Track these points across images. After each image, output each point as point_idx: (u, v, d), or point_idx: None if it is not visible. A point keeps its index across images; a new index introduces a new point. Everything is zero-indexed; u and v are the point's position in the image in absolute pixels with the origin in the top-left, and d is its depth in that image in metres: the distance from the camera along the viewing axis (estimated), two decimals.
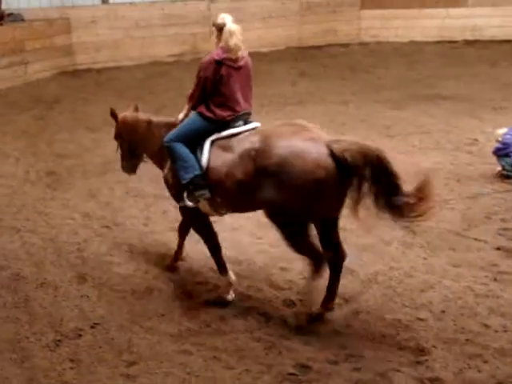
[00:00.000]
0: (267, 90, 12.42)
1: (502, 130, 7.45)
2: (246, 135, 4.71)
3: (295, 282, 5.19)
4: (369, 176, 4.23)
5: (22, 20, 13.83)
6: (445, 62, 14.38)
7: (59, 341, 4.55)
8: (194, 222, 5.10)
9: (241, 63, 4.87)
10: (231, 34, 4.76)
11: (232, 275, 5.03)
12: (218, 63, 4.75)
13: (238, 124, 4.84)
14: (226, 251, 5.71)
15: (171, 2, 15.61)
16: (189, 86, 10.55)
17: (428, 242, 5.76)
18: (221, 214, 5.03)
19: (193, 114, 4.91)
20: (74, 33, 14.60)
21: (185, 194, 4.82)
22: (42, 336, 4.61)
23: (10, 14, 13.70)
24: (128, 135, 5.37)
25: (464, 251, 5.58)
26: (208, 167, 4.67)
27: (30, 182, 7.94)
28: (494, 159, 7.68)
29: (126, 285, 5.28)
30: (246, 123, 4.89)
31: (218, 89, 4.77)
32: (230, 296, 4.96)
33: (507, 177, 7.21)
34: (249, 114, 4.99)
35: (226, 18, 4.84)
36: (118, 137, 5.56)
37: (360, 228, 5.35)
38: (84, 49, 14.70)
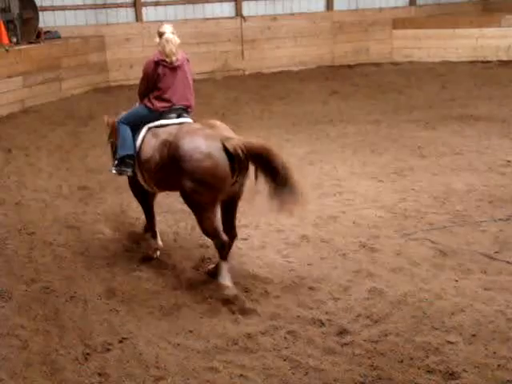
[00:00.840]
0: (298, 108, 12.49)
1: None
2: (171, 127, 5.64)
3: (323, 302, 5.17)
4: (259, 167, 5.24)
5: (59, 37, 14.16)
6: (478, 83, 14.30)
7: (88, 354, 4.60)
8: (132, 188, 6.19)
9: (176, 64, 5.77)
10: (167, 41, 5.70)
11: (159, 241, 6.21)
12: (156, 63, 5.72)
13: (171, 116, 5.80)
14: (254, 269, 5.76)
15: (203, 20, 15.84)
16: (219, 102, 10.72)
17: (459, 264, 5.71)
18: (152, 189, 5.94)
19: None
20: (108, 50, 14.90)
21: (114, 163, 5.95)
22: (72, 349, 4.67)
23: (47, 32, 14.04)
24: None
25: (496, 274, 5.50)
26: (139, 149, 5.70)
27: (62, 196, 8.08)
28: None
29: (155, 300, 5.33)
30: (179, 116, 5.83)
31: (156, 84, 5.76)
32: (155, 255, 6.12)
33: None
34: (185, 108, 5.90)
35: (165, 28, 5.77)
36: (110, 137, 6.36)
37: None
38: (118, 66, 14.99)
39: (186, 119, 5.86)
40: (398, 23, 17.42)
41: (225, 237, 5.40)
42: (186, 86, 5.89)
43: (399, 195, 7.57)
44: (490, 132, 10.23)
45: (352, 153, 9.45)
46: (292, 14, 16.65)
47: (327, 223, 6.81)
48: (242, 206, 7.31)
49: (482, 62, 16.54)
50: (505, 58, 16.57)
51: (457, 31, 16.91)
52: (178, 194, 7.69)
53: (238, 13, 16.12)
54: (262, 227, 6.78)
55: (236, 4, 16.11)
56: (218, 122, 5.63)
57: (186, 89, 5.89)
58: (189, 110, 5.95)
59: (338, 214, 7.06)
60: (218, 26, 15.76)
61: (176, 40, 5.74)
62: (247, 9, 16.26)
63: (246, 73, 15.87)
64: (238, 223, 6.85)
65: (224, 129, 5.54)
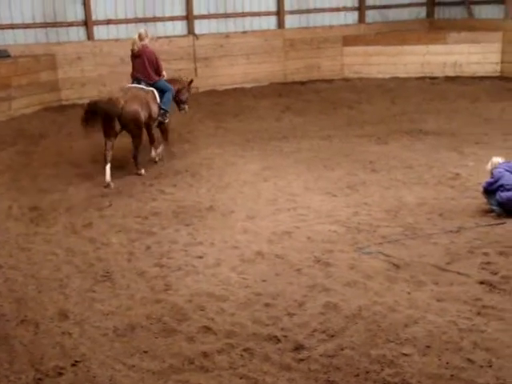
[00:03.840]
0: (252, 125, 12.54)
1: (498, 159, 7.36)
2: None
3: (279, 318, 5.15)
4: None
5: (8, 56, 13.88)
6: (426, 98, 14.61)
7: (40, 379, 4.46)
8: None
9: (138, 54, 9.77)
10: (133, 39, 9.88)
11: (143, 171, 9.54)
12: (132, 53, 9.88)
13: (135, 82, 9.83)
14: (209, 287, 5.71)
15: (156, 38, 15.77)
16: (172, 119, 10.68)
17: (412, 277, 5.76)
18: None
19: None
20: (60, 69, 14.68)
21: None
22: (23, 374, 4.52)
23: None
24: None
25: (448, 285, 5.58)
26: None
27: (12, 217, 7.88)
28: (476, 193, 7.76)
29: (109, 321, 5.21)
30: (139, 83, 9.79)
31: (132, 65, 9.95)
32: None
33: (490, 211, 7.25)
34: (142, 79, 9.80)
35: (138, 32, 9.94)
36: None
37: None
38: (69, 84, 14.78)
39: (138, 85, 9.75)
40: (348, 40, 17.73)
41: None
42: (146, 67, 9.75)
43: (352, 209, 7.63)
44: (438, 146, 10.44)
45: (306, 168, 9.51)
46: (244, 32, 16.76)
47: (282, 239, 6.81)
48: (197, 223, 7.30)
49: (430, 77, 16.95)
50: (451, 74, 17.03)
51: (405, 48, 17.31)
52: (133, 216, 7.63)
53: (191, 31, 16.14)
54: (216, 244, 6.74)
55: (188, 22, 16.13)
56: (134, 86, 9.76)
57: (145, 69, 9.76)
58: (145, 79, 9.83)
59: (293, 229, 7.06)
60: (171, 45, 15.72)
61: (136, 40, 9.76)
62: (199, 27, 16.29)
63: (200, 90, 15.85)
64: (193, 241, 6.85)
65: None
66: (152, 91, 9.81)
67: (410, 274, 5.82)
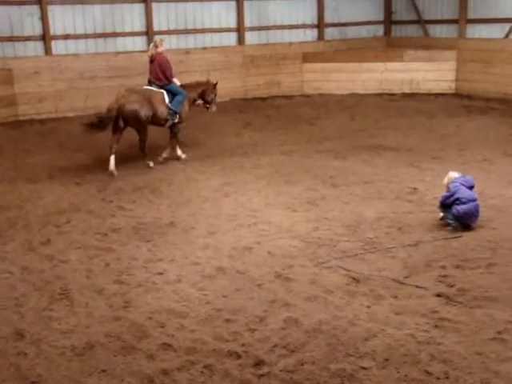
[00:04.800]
0: (213, 140, 12.55)
1: (454, 174, 7.51)
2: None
3: (240, 334, 5.13)
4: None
5: None
6: (384, 114, 14.87)
7: None
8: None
9: (152, 59, 10.99)
10: (149, 49, 11.22)
11: (151, 163, 10.72)
12: (149, 58, 11.08)
13: (148, 85, 11.03)
14: (170, 303, 5.67)
15: (115, 53, 15.71)
16: (132, 136, 10.64)
17: (371, 290, 5.82)
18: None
19: None
20: (17, 84, 14.47)
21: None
22: None
23: None
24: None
25: (406, 299, 5.65)
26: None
27: None
28: (433, 207, 7.90)
29: (66, 340, 5.12)
30: (150, 85, 10.95)
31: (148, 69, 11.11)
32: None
33: (447, 224, 7.38)
34: (156, 83, 10.95)
35: (154, 40, 11.50)
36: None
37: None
38: (26, 99, 14.57)
39: (153, 88, 10.96)
40: (308, 57, 17.97)
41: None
42: (158, 72, 10.90)
43: (312, 224, 7.69)
44: (397, 161, 10.62)
45: (266, 183, 9.55)
46: (204, 48, 16.82)
47: (243, 254, 6.81)
48: (157, 240, 7.24)
49: (388, 94, 17.28)
50: (408, 91, 17.41)
51: (363, 65, 17.63)
52: (92, 233, 7.54)
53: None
54: (177, 260, 6.70)
55: (148, 38, 16.09)
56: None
57: (158, 74, 10.90)
58: (157, 82, 10.96)
59: (254, 244, 7.07)
60: (131, 60, 15.67)
61: (151, 47, 11.18)
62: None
63: None
64: (153, 257, 6.79)
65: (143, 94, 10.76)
66: (162, 93, 10.90)
67: (369, 287, 5.88)
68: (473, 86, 16.68)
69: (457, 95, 16.95)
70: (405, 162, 10.51)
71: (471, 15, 17.23)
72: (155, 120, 10.78)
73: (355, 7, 19.25)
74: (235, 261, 6.64)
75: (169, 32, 16.47)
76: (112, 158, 10.30)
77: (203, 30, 16.92)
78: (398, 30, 19.92)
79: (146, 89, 10.93)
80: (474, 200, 7.28)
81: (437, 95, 17.00)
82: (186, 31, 16.69)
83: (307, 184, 9.47)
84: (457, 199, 7.23)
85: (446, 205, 7.35)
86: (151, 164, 10.64)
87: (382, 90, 17.51)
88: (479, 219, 7.38)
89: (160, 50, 11.03)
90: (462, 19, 17.35)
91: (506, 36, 16.36)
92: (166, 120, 10.92)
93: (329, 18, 18.82)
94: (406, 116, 14.57)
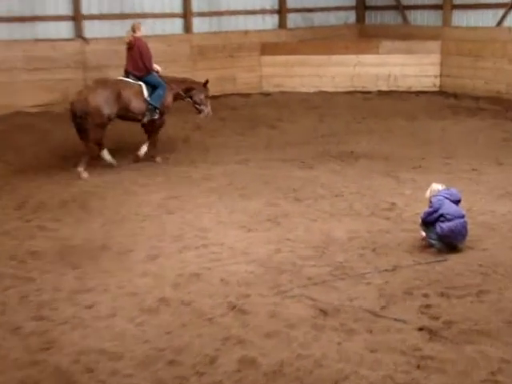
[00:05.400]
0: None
1: (438, 186, 7.61)
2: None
3: (186, 378, 5.10)
4: None
5: None
6: (357, 116, 15.07)
7: None
8: None
9: (130, 46, 11.24)
10: (127, 32, 11.46)
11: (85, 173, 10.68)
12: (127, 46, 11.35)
13: (125, 76, 11.36)
14: (101, 343, 5.60)
15: (35, 41, 15.51)
16: (58, 141, 10.52)
17: (342, 324, 5.86)
18: None
19: None
20: None
21: None
22: None
23: None
24: None
25: (383, 333, 5.71)
26: None
27: None
28: (413, 225, 8.01)
29: None
30: (127, 77, 11.26)
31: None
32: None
33: (430, 245, 7.49)
34: (131, 72, 11.24)
35: (132, 28, 11.49)
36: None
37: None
38: None
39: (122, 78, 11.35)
40: (267, 48, 18.10)
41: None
42: (136, 60, 11.19)
43: (273, 246, 7.71)
44: (371, 170, 10.77)
45: (218, 198, 9.56)
46: (144, 37, 16.71)
47: (190, 282, 6.79)
48: (87, 266, 7.16)
49: (361, 92, 17.55)
50: (385, 88, 17.68)
51: (332, 58, 17.86)
52: (6, 258, 7.48)
53: (79, 34, 16.00)
54: (111, 290, 6.64)
55: (75, 23, 15.99)
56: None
57: (135, 63, 11.20)
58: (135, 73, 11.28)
59: (203, 270, 7.06)
60: (55, 50, 15.55)
61: (128, 32, 11.47)
62: (90, 29, 16.21)
63: None
64: (82, 287, 6.71)
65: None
66: (139, 85, 11.22)
67: (339, 321, 5.92)
68: (460, 83, 17.05)
69: (441, 93, 17.32)
70: (381, 172, 10.65)
71: (458, 0, 17.59)
72: (129, 115, 11.23)
73: None
74: (181, 290, 6.61)
75: (101, 17, 16.43)
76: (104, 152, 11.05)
77: (143, 15, 16.86)
78: (372, 17, 20.29)
79: (120, 80, 11.27)
80: (461, 216, 7.42)
81: (418, 93, 17.34)
82: (122, 16, 16.63)
83: (267, 198, 9.50)
84: (441, 215, 7.34)
85: (429, 222, 7.46)
86: (84, 174, 10.63)
87: (355, 88, 17.76)
88: (467, 239, 7.51)
89: (139, 34, 11.38)
90: (446, 4, 17.77)
91: (499, 24, 16.68)
92: (143, 115, 11.30)
93: (292, 2, 19.04)
94: (383, 118, 14.79)
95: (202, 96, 12.09)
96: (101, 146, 11.10)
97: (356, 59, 17.81)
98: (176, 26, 17.45)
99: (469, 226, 7.52)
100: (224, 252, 7.58)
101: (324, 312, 6.07)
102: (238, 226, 8.42)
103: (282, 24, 18.88)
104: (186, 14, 17.44)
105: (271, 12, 18.80)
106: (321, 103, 16.51)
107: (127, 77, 11.30)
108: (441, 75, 17.59)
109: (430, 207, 7.48)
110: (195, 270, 7.06)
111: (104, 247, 7.78)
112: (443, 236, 7.34)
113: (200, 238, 8.04)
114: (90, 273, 7.06)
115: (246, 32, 18.18)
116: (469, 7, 17.36)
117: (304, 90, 17.64)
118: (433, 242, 7.45)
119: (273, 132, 13.82)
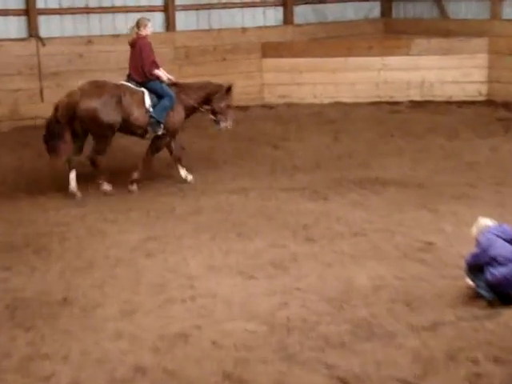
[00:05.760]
0: (128, 171, 12.49)
1: (487, 221, 7.59)
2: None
3: None
4: None
5: None
6: (384, 133, 15.07)
7: None
8: None
9: (132, 45, 11.73)
10: (131, 29, 11.99)
11: (107, 187, 11.54)
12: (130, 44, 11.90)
13: (130, 83, 11.81)
14: None
15: None
16: (7, 166, 10.51)
17: None
18: None
19: None
20: None
21: None
22: None
23: None
24: None
25: None
26: None
27: None
28: (457, 271, 7.99)
29: None
30: (128, 81, 11.80)
31: None
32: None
33: (478, 296, 7.45)
34: (135, 79, 11.67)
35: (136, 24, 11.93)
36: None
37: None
38: None
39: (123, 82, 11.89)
40: (270, 49, 18.16)
41: None
42: (136, 61, 11.67)
43: (278, 298, 7.68)
44: (402, 202, 10.77)
45: (209, 237, 9.56)
46: (115, 36, 16.86)
47: (174, 345, 6.77)
48: (43, 326, 7.15)
49: (388, 103, 17.54)
50: (417, 98, 17.69)
51: (351, 61, 17.89)
52: None
53: (33, 33, 16.09)
54: (73, 358, 6.60)
55: (29, 19, 16.07)
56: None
57: (137, 63, 11.68)
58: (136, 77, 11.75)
59: (191, 330, 7.04)
60: (1, 52, 15.61)
61: (132, 28, 11.94)
62: (46, 27, 16.35)
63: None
64: (36, 353, 6.68)
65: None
66: (141, 92, 11.65)
67: None
68: None
69: (489, 103, 17.33)
70: (414, 204, 10.66)
71: None
72: (128, 128, 11.67)
73: None
74: (162, 356, 6.58)
75: (61, 11, 16.56)
76: (72, 175, 11.32)
77: (113, 9, 17.02)
78: (401, 9, 20.40)
79: (120, 84, 11.76)
80: None
81: (460, 104, 17.35)
82: (87, 10, 16.78)
83: (270, 237, 9.48)
84: (492, 259, 7.31)
85: (477, 267, 7.44)
86: (107, 187, 11.46)
87: (380, 98, 17.79)
88: None
89: (144, 32, 11.85)
90: None
91: None
92: (145, 130, 11.65)
93: None
94: (416, 135, 14.81)
95: (223, 104, 12.19)
96: (97, 165, 11.55)
97: (381, 62, 17.88)
98: (156, 22, 17.41)
99: None
100: (217, 306, 7.56)
101: (342, 381, 6.05)
102: (234, 273, 8.41)
103: (287, 19, 18.96)
104: (168, 8, 17.57)
105: (274, 4, 18.90)
106: (337, 117, 16.55)
107: (128, 81, 11.75)
108: (489, 81, 17.63)
109: (478, 248, 7.46)
110: (181, 330, 7.04)
111: (65, 301, 7.75)
112: (495, 284, 7.30)
113: (187, 287, 8.02)
114: (47, 334, 7.03)
115: (244, 29, 18.30)
116: None
117: (316, 101, 17.69)
118: (482, 291, 7.41)
119: (277, 153, 13.84)
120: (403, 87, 17.75)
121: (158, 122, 11.58)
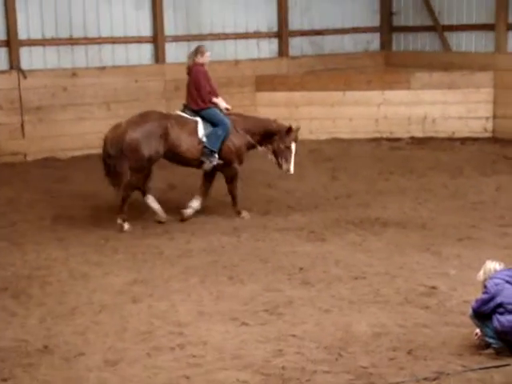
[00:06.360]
0: (112, 211, 12.48)
1: (495, 265, 7.52)
2: None
3: None
4: None
5: None
6: (384, 171, 15.11)
7: None
8: None
9: (188, 73, 12.35)
10: (189, 57, 12.61)
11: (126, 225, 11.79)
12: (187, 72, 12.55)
13: (185, 112, 12.27)
14: None
15: None
16: None
17: None
18: None
19: None
20: None
21: None
22: None
23: None
24: None
25: None
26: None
27: None
28: (462, 317, 7.96)
29: None
30: (184, 111, 12.31)
31: None
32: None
33: (486, 345, 7.41)
34: (189, 107, 12.16)
35: (194, 51, 12.52)
36: None
37: None
38: None
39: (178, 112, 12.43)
40: (264, 82, 18.27)
41: None
42: (192, 89, 12.18)
43: (273, 346, 7.63)
44: (403, 244, 10.77)
45: (199, 281, 9.53)
46: (101, 68, 16.96)
47: None
48: (21, 376, 7.08)
49: (388, 139, 17.62)
50: (419, 134, 17.78)
51: (350, 95, 17.99)
52: None
53: (14, 65, 16.17)
54: None
55: (10, 51, 16.12)
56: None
57: (193, 92, 12.16)
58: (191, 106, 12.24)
59: (179, 380, 6.98)
60: None
61: (190, 55, 12.63)
62: (28, 59, 16.43)
63: (29, 159, 15.76)
64: None
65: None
66: (195, 122, 12.03)
67: None
68: None
69: (495, 140, 17.42)
70: (416, 246, 10.66)
71: None
72: (180, 160, 12.14)
73: (336, 6, 19.85)
74: None
75: (44, 42, 16.64)
76: (150, 201, 12.08)
77: (99, 40, 17.09)
78: (402, 41, 20.55)
79: (170, 114, 12.43)
80: None
81: (464, 141, 17.42)
82: (72, 41, 16.84)
83: (264, 281, 9.46)
84: (499, 305, 7.28)
85: (484, 314, 7.41)
86: (127, 227, 11.72)
87: (380, 133, 17.87)
88: None
89: (200, 60, 12.36)
90: (500, 23, 17.92)
91: None
92: (199, 160, 11.97)
93: (296, 22, 19.31)
94: (418, 173, 14.86)
95: (283, 146, 12.25)
96: (125, 198, 11.86)
97: (381, 96, 17.97)
98: (144, 53, 17.65)
99: None
100: (208, 354, 7.50)
101: None
102: (226, 319, 8.36)
103: (282, 51, 19.08)
104: (157, 39, 17.65)
105: (268, 35, 19.01)
106: (335, 154, 16.59)
107: (184, 110, 12.16)
108: (494, 117, 17.73)
109: (485, 293, 7.43)
110: (169, 381, 6.99)
111: (45, 350, 7.69)
112: (503, 332, 7.25)
113: (175, 335, 7.97)
114: None
115: (236, 62, 18.40)
116: None
117: (312, 137, 17.68)
118: (489, 340, 7.37)
119: (271, 192, 13.86)
120: (404, 123, 17.84)
121: (212, 152, 11.84)
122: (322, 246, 10.82)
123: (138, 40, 17.54)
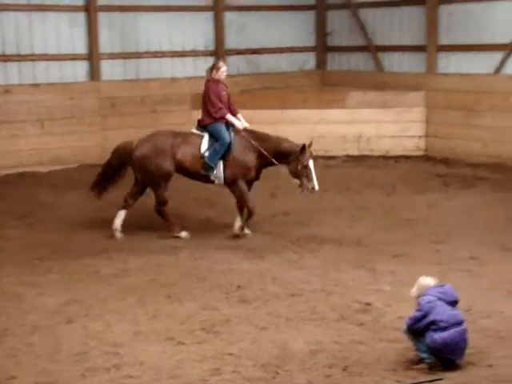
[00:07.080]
0: (48, 233, 12.37)
1: (428, 281, 7.58)
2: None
3: None
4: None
5: None
6: (320, 188, 15.15)
7: None
8: None
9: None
10: (206, 72, 12.72)
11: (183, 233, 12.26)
12: None
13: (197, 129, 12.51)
14: None
15: None
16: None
17: None
18: None
19: None
20: None
21: None
22: None
23: None
24: None
25: None
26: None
27: None
28: (396, 333, 8.00)
29: None
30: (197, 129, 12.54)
31: None
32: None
33: (419, 361, 7.45)
34: (200, 122, 12.35)
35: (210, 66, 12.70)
36: None
37: None
38: None
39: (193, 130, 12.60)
40: (200, 101, 18.13)
41: None
42: (204, 105, 12.33)
43: (209, 365, 7.59)
44: (339, 261, 10.83)
45: (136, 301, 9.46)
46: (35, 85, 16.79)
47: None
48: None
49: (324, 157, 17.65)
50: (355, 153, 17.90)
51: (286, 113, 18.06)
52: None
53: None
54: None
55: None
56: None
57: (205, 108, 12.29)
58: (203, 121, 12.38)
59: None
60: None
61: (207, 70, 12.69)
62: None
63: None
64: None
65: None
66: (201, 137, 12.26)
67: None
68: (450, 145, 17.42)
69: (427, 159, 17.64)
70: (352, 263, 10.73)
71: (444, 40, 18.08)
72: (190, 175, 12.49)
73: (272, 26, 19.92)
74: None
75: None
76: (120, 214, 12.35)
77: (33, 57, 16.93)
78: (336, 61, 20.72)
79: (180, 132, 12.66)
80: (459, 323, 7.38)
81: (398, 159, 17.59)
82: (5, 58, 16.67)
83: (202, 299, 9.42)
84: (432, 322, 7.33)
85: (417, 330, 7.45)
86: (184, 235, 12.28)
87: (315, 151, 17.84)
88: (467, 352, 7.50)
89: (216, 76, 12.48)
90: (431, 45, 18.19)
91: (498, 70, 17.03)
92: (204, 175, 12.24)
93: (232, 41, 19.39)
94: (353, 191, 14.99)
95: (300, 166, 12.18)
96: (164, 216, 12.37)
97: (317, 115, 18.06)
98: (79, 71, 17.52)
99: (469, 335, 7.52)
100: (144, 374, 7.44)
101: None
102: (162, 339, 8.30)
103: None
104: (93, 56, 17.55)
105: (205, 54, 19.04)
106: (271, 173, 16.60)
107: (197, 126, 12.43)
108: (426, 135, 17.96)
109: (418, 311, 7.46)
110: None
111: None
112: (436, 349, 7.30)
113: (111, 355, 7.88)
114: None
115: (173, 80, 18.39)
116: (460, 49, 17.74)
117: None
118: (423, 355, 7.42)
119: (209, 211, 13.85)
120: (339, 141, 17.97)
121: (210, 167, 12.01)
122: (259, 263, 10.83)
123: (73, 57, 17.40)
